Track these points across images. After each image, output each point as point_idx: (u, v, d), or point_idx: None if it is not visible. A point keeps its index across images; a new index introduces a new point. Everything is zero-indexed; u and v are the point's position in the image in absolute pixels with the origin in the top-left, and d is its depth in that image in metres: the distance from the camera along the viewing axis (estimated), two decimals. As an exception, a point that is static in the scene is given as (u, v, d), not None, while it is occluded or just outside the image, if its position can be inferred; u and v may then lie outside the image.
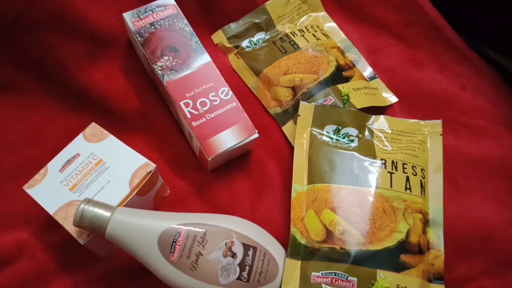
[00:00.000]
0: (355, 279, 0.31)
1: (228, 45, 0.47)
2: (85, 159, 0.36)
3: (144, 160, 0.36)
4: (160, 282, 0.35)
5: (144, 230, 0.31)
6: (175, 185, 0.40)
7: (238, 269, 0.31)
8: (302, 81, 0.43)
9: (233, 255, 0.32)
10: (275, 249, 0.34)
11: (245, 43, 0.47)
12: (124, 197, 0.34)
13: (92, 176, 0.35)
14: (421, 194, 0.36)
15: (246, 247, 0.32)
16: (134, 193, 0.34)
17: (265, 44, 0.47)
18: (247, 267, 0.32)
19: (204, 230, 0.32)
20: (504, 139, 0.40)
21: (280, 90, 0.43)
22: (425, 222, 0.35)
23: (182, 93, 0.38)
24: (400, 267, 0.32)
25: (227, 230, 0.32)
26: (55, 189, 0.35)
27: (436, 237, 0.35)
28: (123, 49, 0.44)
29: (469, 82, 0.44)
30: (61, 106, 0.43)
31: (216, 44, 0.48)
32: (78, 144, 0.37)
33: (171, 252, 0.31)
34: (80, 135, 0.38)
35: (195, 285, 0.31)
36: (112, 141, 0.37)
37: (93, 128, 0.38)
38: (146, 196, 0.37)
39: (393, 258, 0.32)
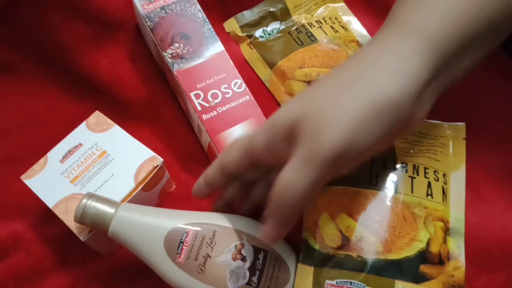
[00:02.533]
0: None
1: (240, 34, 0.45)
2: (88, 149, 0.35)
3: (151, 153, 0.34)
4: (162, 282, 0.34)
5: (150, 229, 0.29)
6: (181, 180, 0.39)
7: (247, 274, 0.30)
8: (319, 76, 0.41)
9: (243, 259, 0.30)
10: (286, 253, 0.32)
11: (258, 33, 0.46)
12: (128, 192, 0.33)
13: (95, 169, 0.34)
14: (443, 201, 0.34)
15: (256, 250, 0.31)
16: (139, 188, 0.33)
17: (280, 34, 0.45)
18: (257, 272, 0.30)
19: (213, 231, 0.30)
20: (529, 146, 0.38)
21: (296, 84, 0.42)
22: (446, 231, 0.33)
23: (192, 83, 0.36)
24: (419, 278, 0.31)
25: (237, 232, 0.31)
26: (55, 180, 0.33)
27: (457, 247, 0.33)
28: (130, 34, 0.42)
29: (494, 83, 0.42)
30: (62, 92, 0.42)
31: (228, 33, 0.46)
32: (81, 134, 0.35)
33: (177, 253, 0.29)
34: (83, 124, 0.36)
35: (193, 285, 0.29)
36: (117, 131, 0.35)
37: (97, 117, 0.36)
38: (151, 192, 0.35)
39: (413, 269, 0.31)
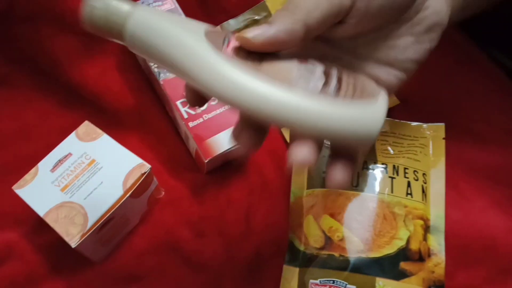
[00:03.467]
0: (354, 287, 0.31)
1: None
2: (78, 158, 0.36)
3: (139, 160, 0.35)
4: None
5: (186, 24, 0.21)
6: (170, 187, 0.40)
7: (323, 76, 0.21)
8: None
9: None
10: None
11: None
12: (117, 199, 0.34)
13: (85, 177, 0.35)
14: (423, 200, 0.35)
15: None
16: (127, 195, 0.34)
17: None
18: (334, 75, 0.22)
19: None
20: (507, 145, 0.40)
21: None
22: (426, 229, 0.35)
23: (178, 92, 0.37)
24: (399, 275, 0.32)
25: None
26: (46, 189, 0.34)
27: (437, 244, 0.34)
28: (118, 45, 0.43)
29: (475, 85, 0.43)
30: (53, 102, 0.43)
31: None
32: (70, 143, 0.36)
33: (224, 45, 0.21)
34: (73, 134, 0.37)
35: (258, 87, 0.20)
36: (105, 140, 0.36)
37: (86, 126, 0.37)
38: (140, 198, 0.36)
39: (393, 266, 0.32)
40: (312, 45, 0.25)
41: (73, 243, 0.32)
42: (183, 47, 0.21)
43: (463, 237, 0.36)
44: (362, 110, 0.20)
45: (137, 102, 0.42)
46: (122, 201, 0.34)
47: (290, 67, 0.21)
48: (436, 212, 0.36)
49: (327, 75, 0.21)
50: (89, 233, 0.32)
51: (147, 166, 0.35)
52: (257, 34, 0.21)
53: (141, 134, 0.41)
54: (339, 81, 0.21)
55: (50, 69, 0.43)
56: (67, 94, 0.42)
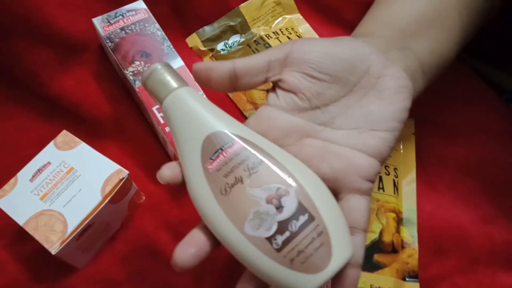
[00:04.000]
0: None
1: (203, 48, 0.47)
2: (56, 167, 0.36)
3: (117, 167, 0.36)
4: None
5: (199, 120, 0.26)
6: (151, 192, 0.40)
7: (274, 227, 0.23)
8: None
9: (279, 207, 0.23)
10: (339, 235, 0.24)
11: (220, 46, 0.48)
12: (96, 205, 0.34)
13: (63, 185, 0.35)
14: (394, 194, 0.36)
15: (301, 209, 0.23)
16: (106, 200, 0.34)
17: (241, 47, 0.48)
18: (287, 234, 0.23)
19: (261, 159, 0.25)
20: (476, 139, 0.41)
21: (256, 93, 0.44)
22: (399, 221, 0.36)
23: (154, 98, 0.38)
24: (373, 267, 0.33)
25: (289, 175, 0.24)
26: (25, 199, 0.35)
27: (410, 235, 0.36)
28: (95, 55, 0.44)
29: (443, 81, 0.45)
30: (32, 114, 0.43)
31: (191, 48, 0.48)
32: (49, 153, 0.37)
33: (211, 159, 0.25)
34: (51, 143, 0.38)
35: (214, 212, 0.24)
36: (83, 148, 0.37)
37: (64, 136, 0.38)
38: (120, 204, 0.37)
39: (366, 258, 0.33)
40: (292, 123, 0.28)
41: (53, 250, 0.33)
42: (183, 139, 0.26)
43: (435, 229, 0.37)
44: (299, 276, 0.23)
45: (114, 110, 0.42)
46: (100, 207, 0.34)
47: (249, 208, 0.24)
48: (408, 205, 0.37)
49: (280, 228, 0.23)
50: (69, 240, 0.33)
51: (125, 172, 0.35)
52: None
53: (120, 141, 0.42)
54: (289, 239, 0.23)
55: (27, 81, 0.43)
56: (45, 105, 0.43)
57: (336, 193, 0.26)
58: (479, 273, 0.35)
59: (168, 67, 0.27)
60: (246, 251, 0.23)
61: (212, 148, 0.25)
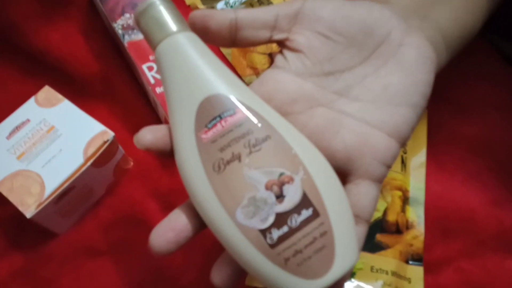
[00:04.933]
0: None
1: (201, 6, 0.44)
2: (36, 125, 0.34)
3: (101, 127, 0.33)
4: (118, 263, 0.33)
5: (199, 76, 0.21)
6: (139, 158, 0.38)
7: (270, 219, 0.20)
8: (279, 47, 0.40)
9: (279, 196, 0.20)
10: (345, 238, 0.21)
11: (220, 5, 0.44)
12: (77, 168, 0.32)
13: (43, 144, 0.33)
14: (402, 171, 0.34)
15: (305, 201, 0.20)
16: (88, 163, 0.32)
17: (243, 6, 0.44)
18: (285, 229, 0.20)
19: (266, 135, 0.21)
20: (489, 117, 0.39)
21: (256, 57, 0.41)
22: (405, 200, 0.33)
23: (145, 55, 0.35)
24: (375, 247, 0.31)
25: (296, 160, 0.21)
26: (0, 157, 0.32)
27: (416, 216, 0.33)
28: (83, 8, 0.41)
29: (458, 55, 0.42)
30: (13, 69, 0.40)
31: (189, 6, 0.44)
32: (29, 109, 0.34)
33: (206, 127, 0.21)
34: (32, 99, 0.35)
35: (203, 190, 0.21)
36: (66, 106, 0.34)
37: (46, 92, 0.35)
38: (104, 168, 0.34)
39: (368, 238, 0.31)
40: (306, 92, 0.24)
41: (28, 214, 0.30)
42: (175, 96, 0.22)
43: (442, 210, 0.35)
44: (292, 279, 0.20)
45: (103, 68, 0.39)
46: (82, 170, 0.32)
47: (244, 191, 0.20)
48: (416, 183, 0.34)
49: (278, 221, 0.20)
50: (46, 203, 0.31)
51: (110, 134, 0.33)
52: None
53: (107, 102, 0.39)
54: (287, 235, 0.20)
55: (8, 33, 0.40)
56: (27, 60, 0.40)
57: (345, 174, 0.23)
58: (486, 257, 0.33)
59: (169, 3, 0.23)
60: (234, 241, 0.20)
61: (210, 113, 0.21)
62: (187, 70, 0.22)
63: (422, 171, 0.35)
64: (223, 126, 0.21)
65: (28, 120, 0.34)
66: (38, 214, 0.31)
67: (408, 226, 0.33)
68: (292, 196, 0.20)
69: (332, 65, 0.24)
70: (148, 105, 0.40)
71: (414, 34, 0.24)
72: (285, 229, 0.20)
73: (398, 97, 0.23)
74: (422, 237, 0.33)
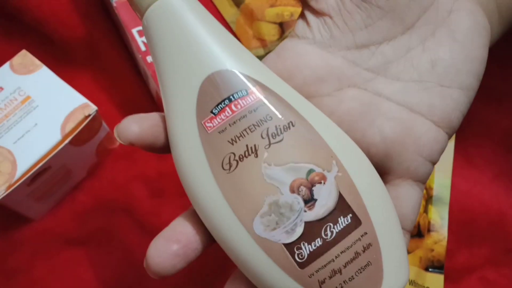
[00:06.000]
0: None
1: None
2: (10, 94, 0.31)
3: (83, 100, 0.30)
4: (98, 254, 0.30)
5: (198, 49, 0.17)
6: (127, 136, 0.34)
7: (299, 231, 0.16)
8: (292, 16, 0.36)
9: (309, 200, 0.16)
10: (393, 250, 0.17)
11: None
12: (53, 146, 0.28)
13: (16, 117, 0.30)
14: (426, 165, 0.30)
15: (342, 206, 0.16)
16: (66, 141, 0.29)
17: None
18: (319, 243, 0.16)
19: (289, 122, 0.17)
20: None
21: (265, 26, 0.36)
22: (428, 199, 0.30)
23: (136, 17, 0.31)
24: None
25: (328, 153, 0.17)
26: (-34, 130, 0.29)
27: (440, 217, 0.30)
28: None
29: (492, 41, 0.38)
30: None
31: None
32: (2, 76, 0.31)
33: (212, 113, 0.17)
34: (6, 65, 0.32)
35: (210, 195, 0.17)
36: (44, 74, 0.31)
37: (23, 56, 0.32)
38: (85, 147, 0.31)
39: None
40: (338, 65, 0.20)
41: (-5, 196, 0.27)
42: (167, 73, 0.17)
43: (468, 211, 0.31)
44: None
45: (88, 31, 0.36)
46: (59, 148, 0.29)
47: (263, 195, 0.16)
48: (442, 180, 0.31)
49: (308, 233, 0.16)
50: (17, 185, 0.27)
51: (92, 108, 0.29)
52: None
53: (92, 71, 0.36)
54: (323, 249, 0.16)
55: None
56: (2, 21, 0.36)
57: (382, 173, 0.19)
58: (515, 267, 0.30)
59: None
60: (251, 259, 0.16)
61: (215, 95, 0.17)
62: (184, 41, 0.17)
63: (449, 166, 0.31)
64: (233, 111, 0.17)
65: (1, 88, 0.31)
66: (8, 196, 0.27)
67: (429, 229, 0.29)
68: (325, 200, 0.16)
69: (368, 35, 0.19)
70: (138, 75, 0.36)
71: None
72: (318, 242, 0.16)
73: (449, 76, 0.19)
74: (444, 242, 0.29)
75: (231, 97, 0.17)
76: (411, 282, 0.27)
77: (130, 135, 0.18)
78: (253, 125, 0.16)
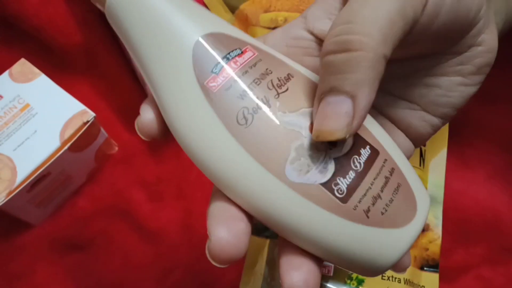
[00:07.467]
0: (332, 264, 0.27)
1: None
2: (9, 102, 0.32)
3: (81, 107, 0.31)
4: (98, 259, 0.31)
5: (177, 18, 0.17)
6: (125, 141, 0.35)
7: (331, 168, 0.16)
8: (286, 21, 0.37)
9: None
10: (411, 172, 0.18)
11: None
12: (53, 152, 0.30)
13: (16, 124, 0.31)
14: (420, 165, 0.31)
15: (358, 139, 0.17)
16: (65, 147, 0.30)
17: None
18: (352, 175, 0.16)
19: (288, 73, 0.18)
20: (522, 106, 0.36)
21: (260, 31, 0.38)
22: (422, 199, 0.31)
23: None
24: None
25: None
26: (-33, 138, 0.30)
27: (434, 217, 0.31)
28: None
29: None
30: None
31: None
32: (2, 84, 0.32)
33: (213, 72, 0.17)
34: (5, 73, 0.33)
35: (232, 153, 0.16)
36: (43, 81, 0.32)
37: (22, 65, 0.33)
38: (84, 153, 0.32)
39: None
40: None
41: (-4, 202, 0.28)
42: (152, 51, 0.17)
43: (463, 210, 0.32)
44: (382, 234, 0.16)
45: (86, 39, 0.37)
46: (58, 154, 0.30)
47: (288, 142, 0.16)
48: (435, 180, 0.32)
49: (340, 167, 0.16)
50: (17, 191, 0.29)
51: (90, 114, 0.30)
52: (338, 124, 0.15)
53: (90, 77, 0.37)
54: (358, 180, 0.16)
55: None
56: (1, 28, 0.37)
57: None
58: (510, 265, 0.31)
59: None
60: (292, 208, 0.16)
61: (210, 58, 0.17)
62: (159, 15, 0.17)
63: (442, 166, 0.32)
64: (234, 69, 0.17)
65: (0, 97, 0.32)
66: (8, 203, 0.29)
67: (424, 228, 0.30)
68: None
69: None
70: (135, 81, 0.37)
71: (491, 24, 0.20)
72: (351, 175, 0.16)
73: (436, 106, 0.20)
74: (439, 241, 0.30)
75: (228, 55, 0.17)
76: (406, 281, 0.28)
77: (144, 124, 0.18)
78: (257, 78, 0.17)
